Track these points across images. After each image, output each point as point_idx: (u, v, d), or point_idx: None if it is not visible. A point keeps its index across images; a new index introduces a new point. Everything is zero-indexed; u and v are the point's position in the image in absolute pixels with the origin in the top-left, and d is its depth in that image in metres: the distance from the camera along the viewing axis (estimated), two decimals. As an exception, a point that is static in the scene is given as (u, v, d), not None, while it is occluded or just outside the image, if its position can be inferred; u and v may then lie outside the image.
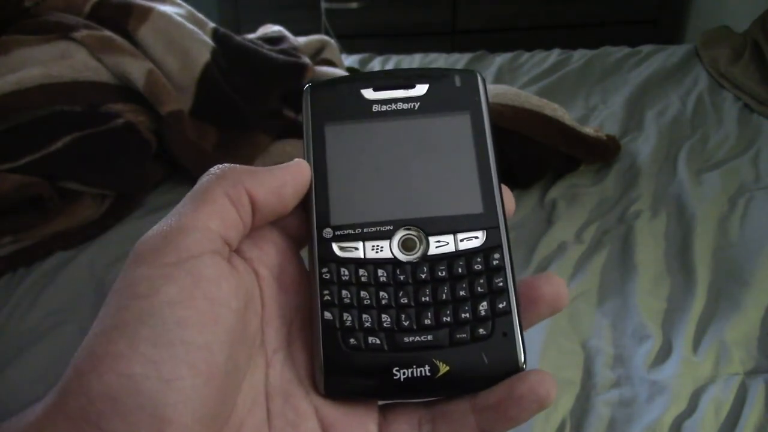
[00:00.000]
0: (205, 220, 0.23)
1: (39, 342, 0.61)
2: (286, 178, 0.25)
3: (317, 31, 1.45)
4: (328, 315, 0.25)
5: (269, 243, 0.26)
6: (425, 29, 1.88)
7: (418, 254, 0.25)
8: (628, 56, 1.25)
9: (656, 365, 0.58)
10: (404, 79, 0.27)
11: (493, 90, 0.97)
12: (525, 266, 0.70)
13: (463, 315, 0.24)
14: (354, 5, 1.81)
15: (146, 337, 0.21)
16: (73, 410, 0.21)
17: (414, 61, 1.27)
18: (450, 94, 0.27)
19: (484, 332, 0.24)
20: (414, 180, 0.26)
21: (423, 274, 0.25)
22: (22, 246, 0.71)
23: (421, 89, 0.27)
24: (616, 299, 0.65)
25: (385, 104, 0.27)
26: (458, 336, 0.24)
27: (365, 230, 0.26)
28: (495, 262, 0.25)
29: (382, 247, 0.25)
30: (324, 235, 0.25)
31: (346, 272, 0.25)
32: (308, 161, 0.27)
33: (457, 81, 0.27)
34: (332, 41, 1.07)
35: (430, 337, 0.24)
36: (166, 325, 0.21)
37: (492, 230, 0.25)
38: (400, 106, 0.27)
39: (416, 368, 0.24)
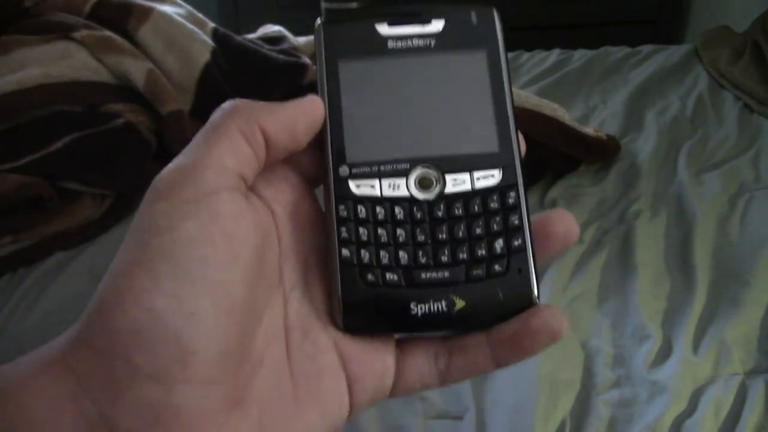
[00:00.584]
0: (220, 157, 0.23)
1: (39, 342, 0.60)
2: (299, 113, 0.25)
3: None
4: (345, 252, 0.25)
5: (284, 181, 0.26)
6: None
7: (435, 192, 0.25)
8: (628, 56, 1.25)
9: (656, 365, 0.58)
10: (420, 14, 0.27)
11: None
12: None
13: (479, 252, 0.25)
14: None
15: (168, 273, 0.21)
16: (98, 344, 0.21)
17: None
18: (466, 31, 0.27)
19: (500, 269, 0.25)
20: (429, 118, 0.26)
21: (439, 212, 0.25)
22: (22, 246, 0.71)
23: (437, 25, 0.27)
24: (616, 299, 0.65)
25: (401, 40, 0.27)
26: (474, 272, 0.25)
27: (381, 168, 0.25)
28: (511, 201, 0.25)
29: (398, 185, 0.25)
30: (340, 172, 0.25)
31: (363, 210, 0.25)
32: (322, 98, 0.26)
33: (474, 18, 0.27)
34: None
35: (446, 274, 0.25)
36: (187, 262, 0.21)
37: (508, 168, 0.26)
38: (416, 42, 0.27)
39: (433, 303, 0.25)
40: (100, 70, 0.77)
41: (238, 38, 0.89)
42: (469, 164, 0.26)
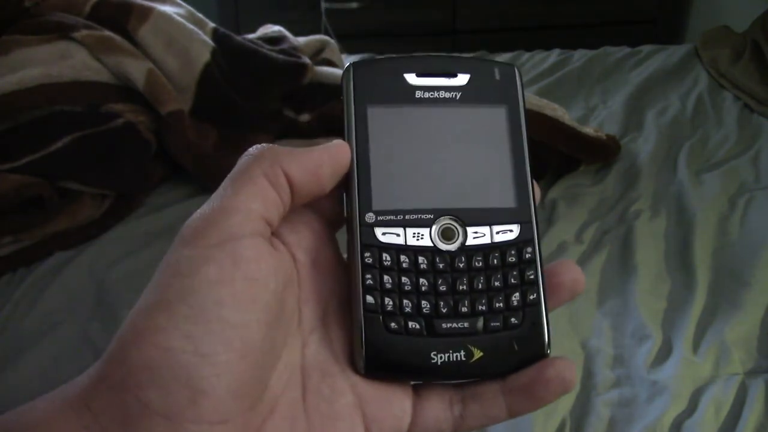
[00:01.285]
0: (246, 202, 0.24)
1: (39, 342, 0.61)
2: (324, 158, 0.26)
3: (317, 31, 1.45)
4: (370, 299, 0.25)
5: (306, 226, 0.27)
6: (425, 29, 1.88)
7: (457, 244, 0.26)
8: (628, 56, 1.25)
9: (656, 365, 0.58)
10: (447, 67, 0.28)
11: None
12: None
13: (497, 304, 0.26)
14: (354, 5, 1.81)
15: (185, 314, 0.22)
16: (114, 380, 0.22)
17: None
18: (490, 86, 0.28)
19: (516, 321, 0.26)
20: (453, 169, 0.27)
21: (461, 263, 0.26)
22: (22, 246, 0.71)
23: (462, 79, 0.28)
24: (616, 299, 0.65)
25: (428, 91, 0.27)
26: (492, 324, 0.26)
27: (407, 217, 0.26)
28: (527, 255, 0.26)
29: (422, 235, 0.26)
30: (367, 219, 0.26)
31: (388, 258, 0.26)
32: (349, 141, 0.27)
33: (497, 74, 0.28)
34: (332, 41, 1.07)
35: (466, 324, 0.26)
36: (205, 303, 0.22)
37: (525, 224, 0.27)
38: (442, 94, 0.27)
39: (452, 353, 0.25)
40: (100, 70, 0.77)
41: (238, 38, 0.89)
42: (489, 218, 0.26)
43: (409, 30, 1.87)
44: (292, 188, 0.25)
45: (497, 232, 0.26)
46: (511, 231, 0.27)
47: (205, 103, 0.82)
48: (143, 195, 0.82)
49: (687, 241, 0.73)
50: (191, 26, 0.84)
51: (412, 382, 0.27)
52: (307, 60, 0.91)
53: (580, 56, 1.25)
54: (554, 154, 0.84)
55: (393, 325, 0.25)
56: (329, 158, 0.26)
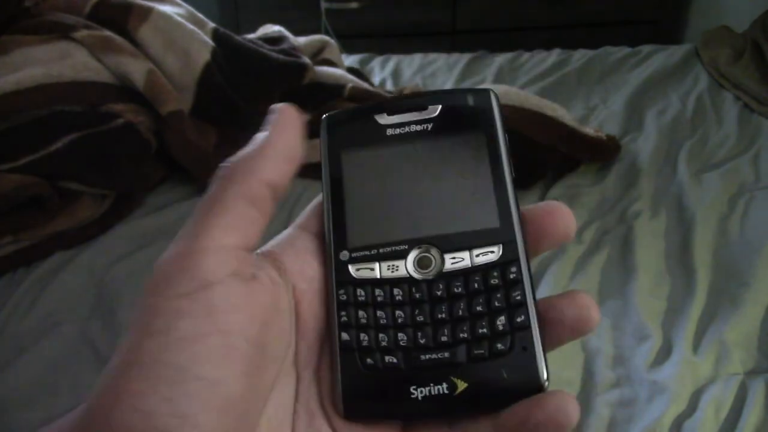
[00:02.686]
0: (219, 238, 0.23)
1: (39, 342, 0.61)
2: (288, 135, 0.25)
3: (317, 31, 1.45)
4: (345, 336, 0.25)
5: (311, 254, 0.26)
6: (425, 29, 1.88)
7: (434, 271, 0.25)
8: (628, 56, 1.25)
9: (656, 365, 0.58)
10: (417, 101, 0.28)
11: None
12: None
13: (480, 330, 0.24)
14: (354, 5, 1.81)
15: (162, 376, 0.21)
16: None
17: (414, 61, 1.27)
18: (462, 114, 0.27)
19: (503, 347, 0.24)
20: (428, 199, 0.26)
21: (438, 291, 0.25)
22: (22, 246, 0.71)
23: (433, 110, 0.27)
24: (616, 299, 0.65)
25: (399, 127, 0.27)
26: (476, 352, 0.24)
27: (381, 251, 0.26)
28: (512, 276, 0.25)
29: (397, 267, 0.25)
30: (341, 257, 0.26)
31: (362, 293, 0.25)
32: (325, 188, 0.27)
33: (470, 100, 0.28)
34: (332, 41, 1.07)
35: (447, 354, 0.24)
36: (180, 363, 0.21)
37: (508, 244, 0.25)
38: (414, 128, 0.27)
39: (433, 386, 0.24)
40: (100, 70, 0.77)
41: (238, 38, 0.89)
42: (468, 241, 0.25)
43: (409, 30, 1.87)
44: (275, 190, 0.24)
45: (477, 255, 0.25)
46: (492, 252, 0.25)
47: (205, 103, 0.82)
48: (143, 195, 0.82)
49: (687, 241, 0.73)
50: (191, 26, 0.84)
51: (397, 422, 0.25)
52: (307, 60, 0.91)
53: (580, 56, 1.25)
54: (554, 154, 0.84)
55: (369, 361, 0.24)
56: (289, 130, 0.25)
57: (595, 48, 1.28)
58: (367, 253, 0.26)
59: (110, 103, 0.77)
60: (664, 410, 0.53)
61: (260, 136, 0.25)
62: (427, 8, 1.84)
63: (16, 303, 0.66)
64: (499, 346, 0.24)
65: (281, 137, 0.25)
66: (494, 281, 0.25)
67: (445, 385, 0.24)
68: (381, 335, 0.25)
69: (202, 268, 0.22)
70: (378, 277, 0.25)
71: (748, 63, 1.12)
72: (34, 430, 0.23)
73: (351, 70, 1.09)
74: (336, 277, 0.26)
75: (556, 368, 0.57)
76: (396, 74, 1.22)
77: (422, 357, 0.24)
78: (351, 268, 0.26)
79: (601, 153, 0.87)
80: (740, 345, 0.59)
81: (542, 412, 0.22)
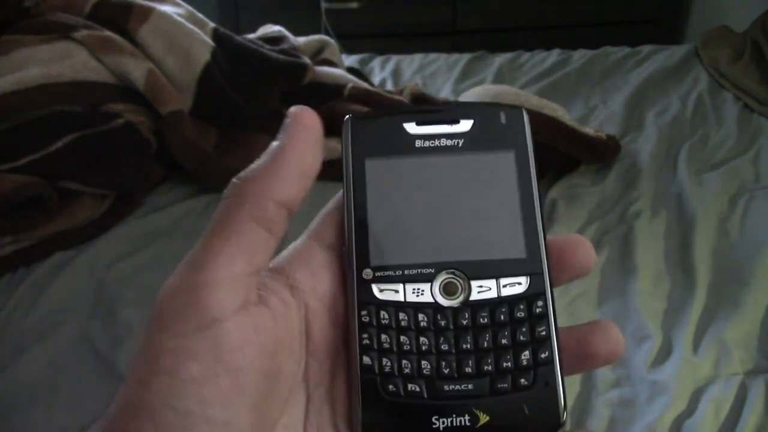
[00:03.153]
0: (228, 266, 0.22)
1: (39, 342, 0.61)
2: (301, 149, 0.24)
3: (317, 31, 1.45)
4: (366, 360, 0.24)
5: (325, 270, 0.25)
6: (425, 29, 1.88)
7: (460, 299, 0.25)
8: (628, 56, 1.25)
9: (656, 365, 0.58)
10: (448, 114, 0.27)
11: (492, 90, 0.97)
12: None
13: (504, 364, 0.24)
14: (354, 5, 1.81)
15: (170, 420, 0.21)
16: None
17: (414, 61, 1.27)
18: (494, 131, 0.26)
19: (526, 382, 0.24)
20: (456, 220, 0.25)
21: (464, 320, 0.24)
22: (22, 246, 0.71)
23: (465, 125, 0.26)
24: (616, 299, 0.65)
25: (429, 140, 0.26)
26: (499, 385, 0.24)
27: (406, 272, 0.25)
28: (538, 310, 0.24)
29: (423, 291, 0.25)
30: (363, 275, 0.25)
31: (386, 315, 0.24)
32: (347, 198, 0.26)
33: (503, 117, 0.27)
34: (332, 41, 1.07)
35: (471, 386, 0.24)
36: (189, 407, 0.21)
37: (535, 276, 0.25)
38: (444, 142, 0.26)
39: (456, 417, 0.24)
40: (100, 70, 0.77)
41: (239, 38, 0.89)
42: (495, 271, 0.25)
43: (409, 30, 1.87)
44: (289, 209, 0.23)
45: (504, 285, 0.25)
46: (519, 284, 0.25)
47: (206, 103, 0.82)
48: (143, 195, 0.82)
49: (687, 241, 0.73)
50: (191, 26, 0.84)
51: None
52: (307, 60, 0.91)
53: (580, 56, 1.25)
54: (554, 154, 0.84)
55: (391, 387, 0.24)
56: (306, 140, 0.24)
57: (595, 48, 1.29)
58: (391, 273, 0.25)
59: (110, 103, 0.77)
60: (664, 410, 0.53)
61: (273, 147, 0.24)
62: (427, 8, 1.85)
63: (16, 303, 0.66)
64: (523, 381, 0.24)
65: (296, 150, 0.24)
66: (520, 314, 0.24)
67: (467, 417, 0.24)
68: (404, 361, 0.24)
69: (209, 303, 0.21)
70: (403, 299, 0.25)
71: (748, 63, 1.12)
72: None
73: (351, 70, 1.09)
74: (358, 297, 0.25)
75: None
76: (396, 74, 1.22)
77: (446, 387, 0.24)
78: (374, 288, 0.25)
79: (601, 153, 0.87)
80: (740, 345, 0.59)
81: None
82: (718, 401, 0.54)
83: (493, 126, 0.26)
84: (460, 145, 0.26)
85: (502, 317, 0.24)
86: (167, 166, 0.84)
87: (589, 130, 0.87)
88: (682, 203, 0.80)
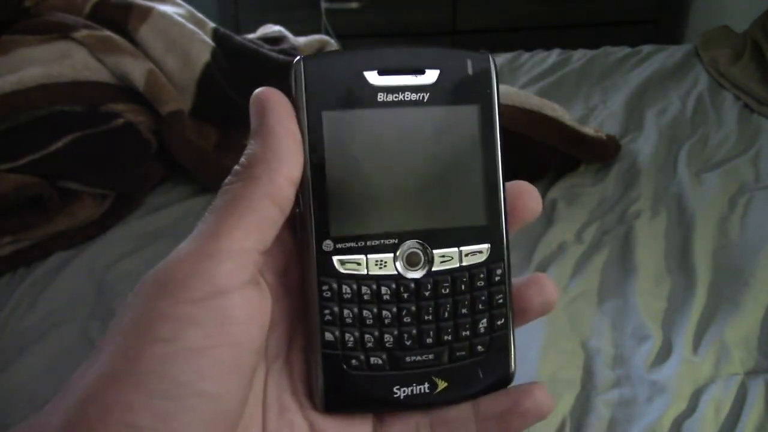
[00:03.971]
0: (241, 240, 0.22)
1: (39, 342, 0.61)
2: (290, 124, 0.23)
3: (317, 31, 1.45)
4: (328, 335, 0.24)
5: (277, 242, 0.24)
6: (425, 29, 1.88)
7: (422, 270, 0.24)
8: (628, 56, 1.25)
9: (656, 365, 0.58)
10: (413, 62, 0.24)
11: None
12: (525, 266, 0.70)
13: (463, 333, 0.24)
14: (354, 5, 1.81)
15: (160, 390, 0.20)
16: None
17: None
18: (461, 83, 0.25)
19: (482, 349, 0.25)
20: (420, 185, 0.24)
21: (427, 291, 0.24)
22: (22, 246, 0.71)
23: (431, 76, 0.24)
24: (616, 299, 0.65)
25: (392, 92, 0.24)
26: (458, 353, 0.24)
27: (368, 243, 0.24)
28: (497, 278, 0.25)
29: (385, 262, 0.24)
30: (324, 247, 0.24)
31: (348, 290, 0.24)
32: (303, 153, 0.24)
33: (469, 67, 0.25)
34: (332, 41, 1.07)
35: (431, 356, 0.24)
36: (182, 377, 0.20)
37: (495, 243, 0.25)
38: (408, 95, 0.24)
39: (416, 386, 0.24)
40: (100, 70, 0.77)
41: (238, 38, 0.89)
42: (458, 239, 0.24)
43: (409, 30, 1.87)
44: (296, 183, 0.23)
45: (466, 255, 0.24)
46: (480, 252, 0.25)
47: (206, 103, 0.82)
48: (143, 195, 0.82)
49: (687, 241, 0.73)
50: (191, 26, 0.84)
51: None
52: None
53: (580, 56, 1.25)
54: (554, 154, 0.84)
55: (354, 362, 0.24)
56: (289, 117, 0.23)
57: (595, 48, 1.29)
58: (353, 245, 0.24)
59: (110, 103, 0.77)
60: (664, 410, 0.53)
61: (264, 130, 0.23)
62: (427, 8, 1.85)
63: (16, 303, 0.66)
64: (479, 347, 0.25)
65: (288, 127, 0.23)
66: (480, 283, 0.25)
67: (426, 385, 0.24)
68: (366, 335, 0.24)
69: (219, 272, 0.21)
70: (365, 273, 0.24)
71: (748, 63, 1.12)
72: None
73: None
74: (319, 270, 0.24)
75: (555, 368, 0.57)
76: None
77: (407, 358, 0.24)
78: (335, 261, 0.24)
79: (601, 153, 0.87)
80: (740, 345, 0.59)
81: (531, 401, 0.24)
82: (718, 401, 0.54)
83: (459, 76, 0.25)
84: (424, 99, 0.24)
85: (463, 287, 0.24)
86: (167, 166, 0.84)
87: (589, 129, 0.86)
88: (682, 203, 0.80)
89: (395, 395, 0.24)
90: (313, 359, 0.24)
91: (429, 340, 0.24)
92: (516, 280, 0.26)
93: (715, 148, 0.92)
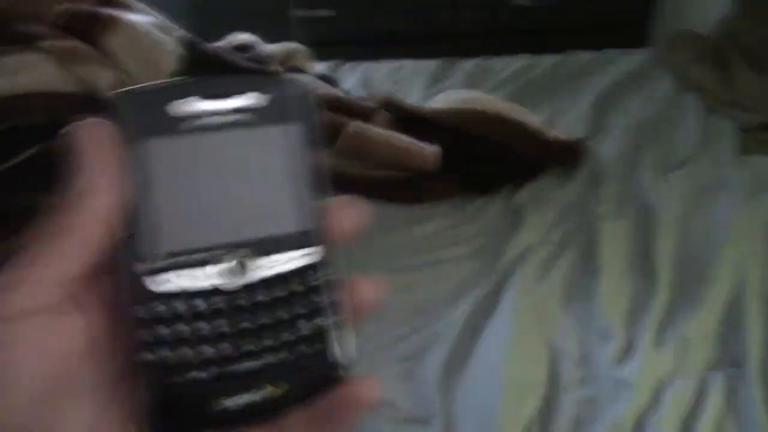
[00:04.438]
0: (41, 268, 0.22)
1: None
2: (102, 155, 0.23)
3: (287, 39, 1.45)
4: (147, 356, 0.23)
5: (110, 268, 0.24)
6: (396, 36, 1.89)
7: (239, 280, 0.24)
8: (593, 60, 1.27)
9: (620, 363, 0.59)
10: (226, 89, 0.25)
11: (460, 95, 0.98)
12: (492, 269, 0.71)
13: (285, 337, 0.25)
14: (324, 13, 1.82)
15: None
16: None
17: (383, 67, 1.28)
18: (277, 105, 0.26)
19: (308, 351, 0.25)
20: (234, 200, 0.25)
21: (243, 300, 0.24)
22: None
23: (244, 100, 0.25)
24: (581, 300, 0.66)
25: (206, 117, 0.25)
26: (282, 358, 0.25)
27: (180, 259, 0.24)
28: (315, 282, 0.25)
29: (199, 276, 0.24)
30: (134, 269, 0.24)
31: (162, 308, 0.24)
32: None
33: (286, 90, 0.26)
34: (302, 48, 1.07)
35: (255, 364, 0.24)
36: None
37: (315, 248, 0.25)
38: (220, 119, 0.25)
39: (244, 395, 0.24)
40: (66, 80, 0.76)
41: (207, 46, 0.89)
42: (273, 247, 0.25)
43: (380, 37, 1.88)
44: (115, 209, 0.23)
45: (283, 261, 0.25)
46: (298, 258, 0.25)
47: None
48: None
49: (650, 241, 0.74)
50: (159, 34, 0.84)
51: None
52: (276, 67, 0.91)
53: (546, 61, 1.27)
54: (521, 158, 0.85)
55: (176, 378, 0.24)
56: (103, 146, 0.23)
57: (563, 52, 1.30)
58: (164, 263, 0.24)
59: (76, 114, 0.76)
60: (628, 406, 0.54)
61: (81, 159, 0.24)
62: (397, 15, 1.86)
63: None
64: (304, 349, 0.25)
65: (104, 157, 0.23)
66: (299, 288, 0.25)
67: (256, 393, 0.24)
68: (185, 351, 0.24)
69: (11, 300, 0.22)
70: (178, 289, 0.24)
71: (711, 66, 1.14)
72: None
73: (323, 77, 1.09)
74: (131, 292, 0.24)
75: (522, 369, 0.58)
76: (365, 81, 1.23)
77: (230, 368, 0.24)
78: (147, 281, 0.24)
79: (567, 156, 0.89)
80: (700, 341, 0.60)
81: (350, 392, 0.24)
82: (680, 396, 0.55)
83: (276, 100, 0.26)
84: (239, 121, 0.25)
85: (281, 293, 0.25)
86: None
87: (556, 133, 0.88)
88: (646, 204, 0.81)
89: (223, 407, 0.24)
90: (139, 382, 0.24)
91: (252, 348, 0.24)
92: (350, 280, 0.26)
93: (679, 150, 0.94)
